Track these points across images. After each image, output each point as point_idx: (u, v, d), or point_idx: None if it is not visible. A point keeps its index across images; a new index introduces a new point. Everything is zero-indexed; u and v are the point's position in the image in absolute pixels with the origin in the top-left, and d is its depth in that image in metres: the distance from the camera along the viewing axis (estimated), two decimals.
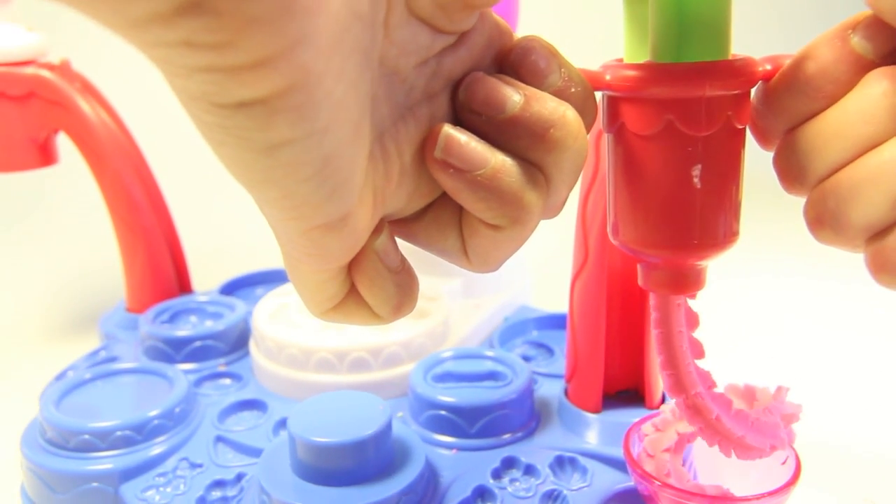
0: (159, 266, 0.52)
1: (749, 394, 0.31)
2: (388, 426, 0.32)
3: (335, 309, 0.22)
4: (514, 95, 0.20)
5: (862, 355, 0.52)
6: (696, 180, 0.23)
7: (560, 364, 0.45)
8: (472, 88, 0.20)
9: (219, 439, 0.38)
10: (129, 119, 0.52)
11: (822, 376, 0.50)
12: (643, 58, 0.23)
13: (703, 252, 0.24)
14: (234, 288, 0.57)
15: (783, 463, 0.30)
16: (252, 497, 0.33)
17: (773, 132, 0.23)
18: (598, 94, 0.24)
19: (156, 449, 0.36)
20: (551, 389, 0.41)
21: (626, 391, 0.39)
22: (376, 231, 0.21)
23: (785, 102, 0.22)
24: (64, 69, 0.48)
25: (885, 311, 0.59)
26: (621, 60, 0.24)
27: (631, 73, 0.22)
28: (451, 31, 0.20)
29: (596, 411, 0.37)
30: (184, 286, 0.54)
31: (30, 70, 0.48)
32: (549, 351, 0.47)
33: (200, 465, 0.36)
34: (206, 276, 0.58)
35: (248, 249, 0.71)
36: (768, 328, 0.57)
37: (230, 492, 0.35)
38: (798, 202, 0.24)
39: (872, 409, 0.45)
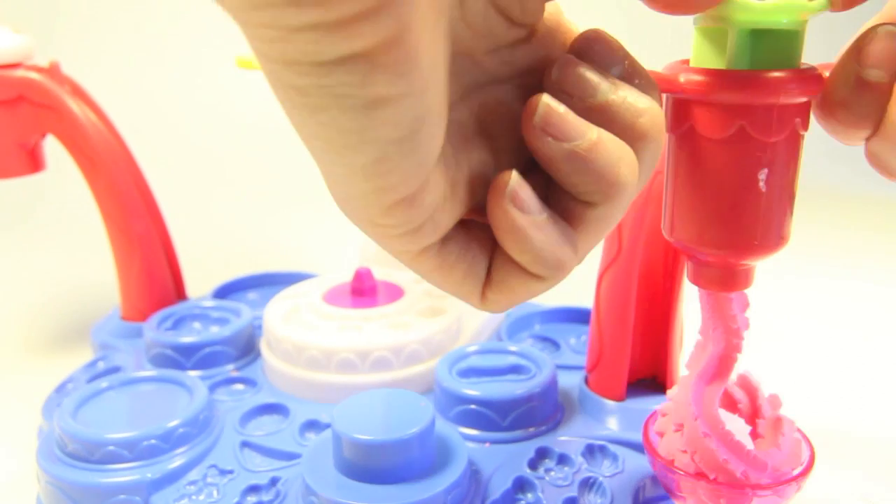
0: (156, 272, 0.50)
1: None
2: (433, 423, 0.33)
3: (491, 287, 0.22)
4: (604, 81, 0.20)
5: (861, 354, 0.54)
6: (761, 184, 0.24)
7: (568, 356, 0.46)
8: (565, 70, 0.21)
9: (244, 444, 0.38)
10: (115, 122, 0.51)
11: (821, 375, 0.51)
12: (712, 62, 0.24)
13: (761, 252, 0.25)
14: (226, 292, 0.56)
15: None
16: (296, 498, 0.33)
17: (855, 144, 0.25)
18: (664, 96, 0.24)
19: (182, 458, 0.36)
20: (566, 380, 0.42)
21: (646, 379, 0.40)
22: (503, 179, 0.20)
23: (842, 137, 0.24)
24: (53, 72, 0.47)
25: (885, 310, 0.62)
26: (687, 62, 0.25)
27: (706, 78, 0.23)
28: (521, 23, 0.21)
29: (619, 399, 0.38)
30: (179, 292, 0.53)
31: (18, 73, 0.46)
32: (555, 344, 0.48)
33: (231, 472, 0.36)
34: (194, 281, 0.57)
35: (235, 254, 0.70)
36: (769, 327, 0.59)
37: (266, 496, 0.34)
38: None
39: (870, 408, 0.47)
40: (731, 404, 0.33)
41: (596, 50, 0.21)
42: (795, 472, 0.30)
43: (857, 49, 0.23)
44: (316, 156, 0.19)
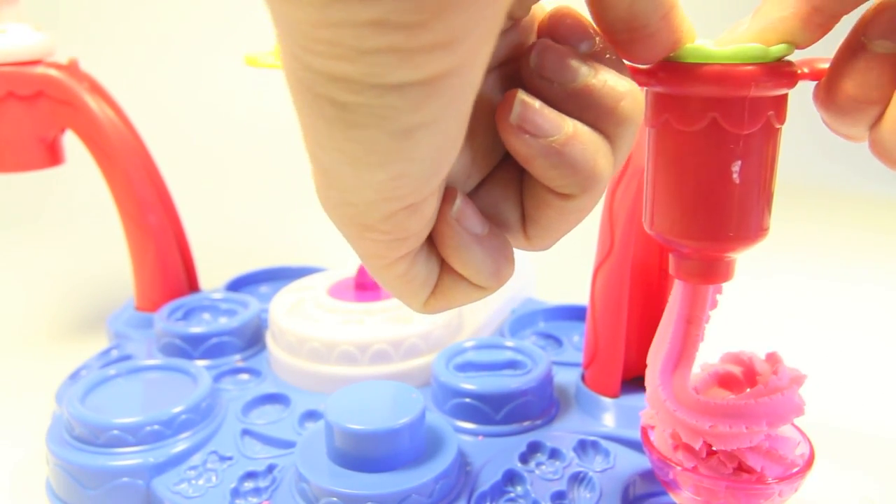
0: (169, 264, 0.52)
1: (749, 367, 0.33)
2: (423, 414, 0.33)
3: (435, 295, 0.22)
4: (584, 65, 0.20)
5: (860, 354, 0.54)
6: (735, 176, 0.24)
7: (570, 353, 0.46)
8: (544, 55, 0.20)
9: (245, 432, 0.39)
10: (132, 117, 0.52)
11: (820, 375, 0.50)
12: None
13: (737, 244, 0.25)
14: (239, 286, 0.57)
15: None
16: (289, 485, 0.34)
17: (856, 138, 0.24)
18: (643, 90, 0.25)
19: (184, 443, 0.37)
20: (565, 377, 0.42)
21: (642, 377, 0.40)
22: (449, 199, 0.21)
23: (847, 120, 0.23)
24: (72, 68, 0.48)
25: (885, 309, 0.61)
26: None
27: (679, 71, 0.23)
28: (514, 16, 0.21)
29: (614, 396, 0.39)
30: (192, 284, 0.54)
31: (39, 69, 0.48)
32: (558, 341, 0.48)
33: (230, 458, 0.37)
34: (209, 274, 0.58)
35: (250, 248, 0.71)
36: (768, 326, 0.58)
37: (262, 482, 0.35)
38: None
39: (870, 408, 0.46)
40: (727, 381, 0.33)
41: (566, 26, 0.21)
42: (795, 469, 0.30)
43: (865, 22, 0.22)
44: (326, 164, 0.18)
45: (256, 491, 0.35)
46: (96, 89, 0.50)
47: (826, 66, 0.24)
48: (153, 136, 0.54)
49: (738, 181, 0.24)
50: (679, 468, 0.30)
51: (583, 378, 0.40)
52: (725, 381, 0.34)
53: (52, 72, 0.48)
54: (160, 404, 0.38)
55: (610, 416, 0.39)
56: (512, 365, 0.40)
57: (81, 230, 0.79)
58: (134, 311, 0.53)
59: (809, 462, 0.30)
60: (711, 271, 0.26)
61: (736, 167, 0.24)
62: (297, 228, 0.78)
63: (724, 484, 0.29)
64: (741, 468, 0.30)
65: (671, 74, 0.23)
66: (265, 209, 0.83)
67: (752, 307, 0.60)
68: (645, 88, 0.25)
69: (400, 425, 0.32)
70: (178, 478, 0.35)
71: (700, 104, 0.23)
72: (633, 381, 0.40)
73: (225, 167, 0.86)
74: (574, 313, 0.51)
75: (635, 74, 0.24)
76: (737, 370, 0.34)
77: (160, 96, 0.89)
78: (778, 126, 0.24)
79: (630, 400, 0.38)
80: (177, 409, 0.37)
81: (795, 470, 0.30)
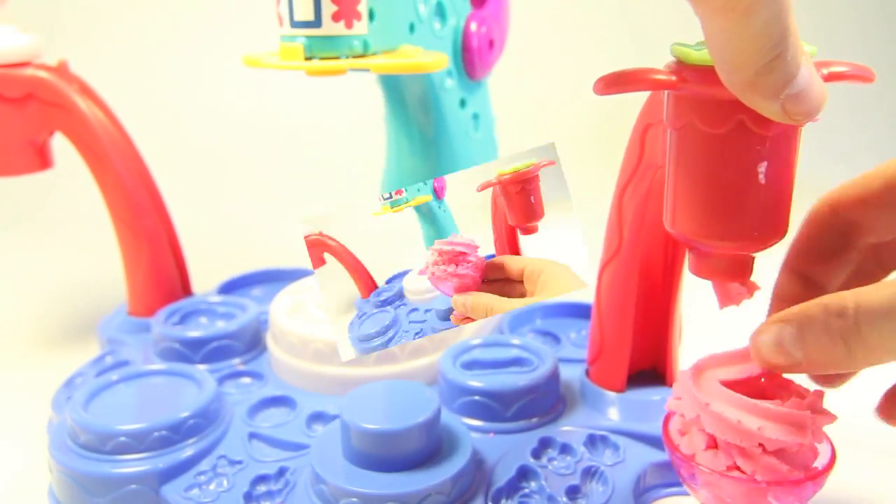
0: (163, 268, 0.51)
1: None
2: (439, 412, 0.33)
3: None
4: None
5: None
6: (761, 176, 0.25)
7: (569, 350, 0.47)
8: None
9: (252, 436, 0.38)
10: (123, 119, 0.51)
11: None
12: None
13: (761, 243, 0.26)
14: (231, 288, 0.57)
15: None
16: (305, 487, 0.34)
17: None
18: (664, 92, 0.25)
19: (192, 448, 0.36)
20: (566, 373, 0.43)
21: (646, 371, 0.41)
22: None
23: None
24: (62, 70, 0.48)
25: None
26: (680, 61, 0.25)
27: (706, 75, 0.24)
28: None
29: (620, 391, 0.39)
30: (185, 288, 0.54)
31: (28, 72, 0.47)
32: (556, 338, 0.49)
33: (240, 462, 0.36)
34: (200, 277, 0.58)
35: (240, 250, 0.71)
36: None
37: (274, 486, 0.35)
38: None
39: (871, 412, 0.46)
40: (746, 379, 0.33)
41: None
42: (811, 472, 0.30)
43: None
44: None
45: (269, 494, 0.34)
46: (86, 91, 0.49)
47: (842, 69, 0.25)
48: (144, 139, 0.53)
49: (763, 181, 0.25)
50: (702, 467, 0.30)
51: (587, 373, 0.41)
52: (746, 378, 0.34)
53: (42, 74, 0.47)
54: (165, 410, 0.37)
55: (615, 410, 0.39)
56: (518, 362, 0.41)
57: (71, 234, 0.77)
58: (126, 315, 0.52)
59: (830, 465, 0.29)
60: (731, 269, 0.27)
61: (762, 168, 0.25)
62: (287, 231, 0.77)
63: (726, 482, 0.29)
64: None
65: (702, 78, 0.24)
66: (255, 212, 0.82)
67: (755, 309, 0.60)
68: (666, 91, 0.26)
69: (417, 424, 0.32)
70: (188, 483, 0.35)
71: (728, 107, 0.24)
72: (638, 375, 0.40)
73: (215, 169, 0.86)
74: (570, 310, 0.52)
75: (659, 78, 0.24)
76: (756, 371, 0.34)
77: (151, 98, 0.88)
78: (800, 127, 0.25)
79: (635, 394, 0.39)
80: (184, 414, 0.37)
81: (812, 474, 0.30)
